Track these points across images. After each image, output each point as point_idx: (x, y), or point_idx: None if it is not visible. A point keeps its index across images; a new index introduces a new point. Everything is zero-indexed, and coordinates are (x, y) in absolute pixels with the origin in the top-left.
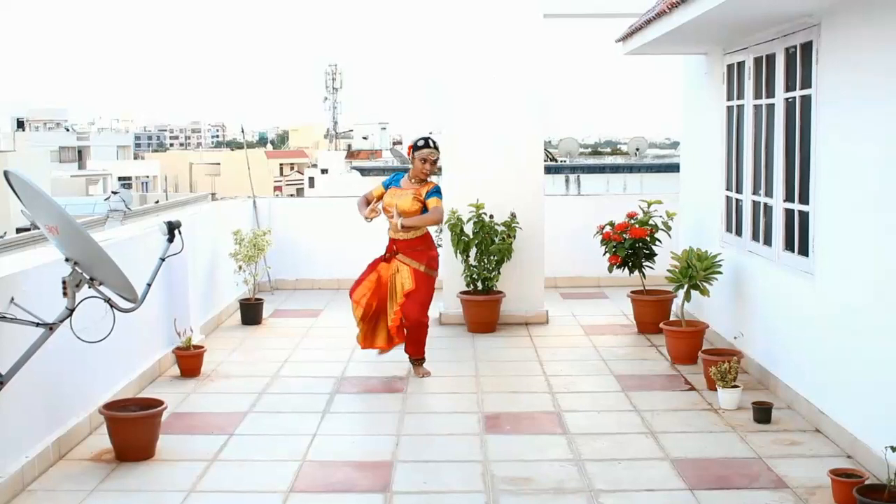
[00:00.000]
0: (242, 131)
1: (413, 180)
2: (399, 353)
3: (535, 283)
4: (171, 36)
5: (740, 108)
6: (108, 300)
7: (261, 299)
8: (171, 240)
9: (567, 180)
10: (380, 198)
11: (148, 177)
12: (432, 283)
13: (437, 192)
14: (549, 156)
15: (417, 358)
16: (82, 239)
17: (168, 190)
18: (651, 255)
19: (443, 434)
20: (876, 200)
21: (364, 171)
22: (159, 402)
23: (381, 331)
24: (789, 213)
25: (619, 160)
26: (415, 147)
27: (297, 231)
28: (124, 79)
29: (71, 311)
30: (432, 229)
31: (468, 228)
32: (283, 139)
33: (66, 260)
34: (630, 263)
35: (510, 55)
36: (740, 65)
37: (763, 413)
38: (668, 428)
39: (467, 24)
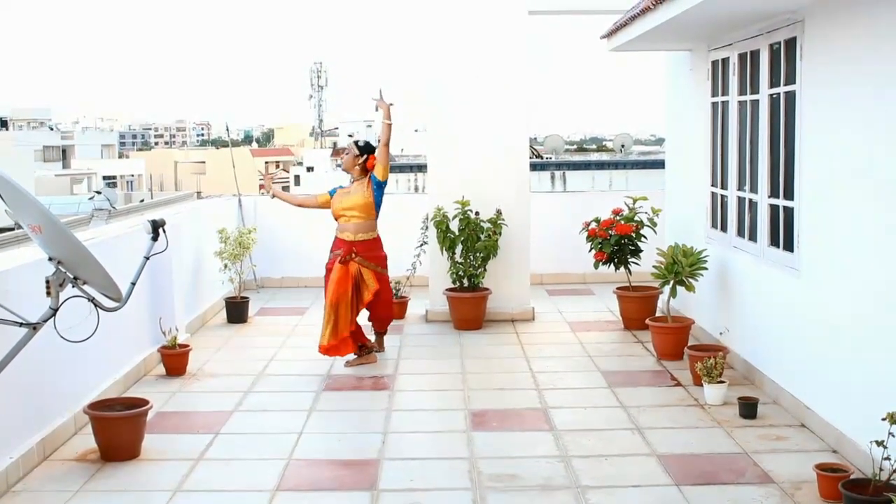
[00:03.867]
0: (227, 129)
1: (352, 179)
2: (386, 353)
3: (521, 279)
4: (155, 34)
5: (725, 104)
6: (92, 299)
7: (246, 297)
8: (155, 238)
9: (553, 177)
10: (326, 203)
11: (133, 175)
12: (387, 277)
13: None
14: (535, 152)
15: (383, 332)
16: (66, 238)
17: (153, 189)
18: (637, 252)
19: (429, 431)
20: (860, 196)
21: None
22: (144, 402)
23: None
24: (774, 209)
25: (604, 157)
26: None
27: (283, 229)
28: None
29: (55, 310)
30: (416, 229)
31: (454, 225)
32: (268, 137)
33: (50, 259)
34: (616, 260)
35: (495, 52)
36: (724, 61)
37: (749, 408)
38: (654, 424)
39: (452, 21)
